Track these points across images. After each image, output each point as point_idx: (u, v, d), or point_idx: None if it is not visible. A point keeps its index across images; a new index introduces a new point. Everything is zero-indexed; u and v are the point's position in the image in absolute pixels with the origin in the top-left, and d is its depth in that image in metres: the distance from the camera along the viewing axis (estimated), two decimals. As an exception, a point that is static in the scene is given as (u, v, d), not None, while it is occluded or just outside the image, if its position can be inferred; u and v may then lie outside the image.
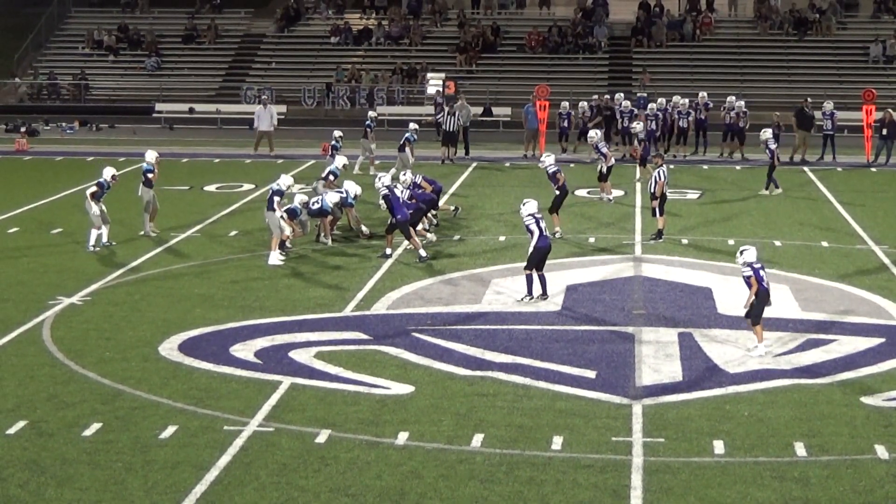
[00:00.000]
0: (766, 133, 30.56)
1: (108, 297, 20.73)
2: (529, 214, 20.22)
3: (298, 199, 23.98)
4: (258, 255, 23.82)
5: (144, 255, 23.74)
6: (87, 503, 12.43)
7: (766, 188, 30.82)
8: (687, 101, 37.99)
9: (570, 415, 14.97)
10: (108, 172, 24.67)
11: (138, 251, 24.08)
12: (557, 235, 24.52)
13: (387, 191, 23.52)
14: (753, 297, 17.20)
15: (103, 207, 24.23)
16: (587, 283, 21.63)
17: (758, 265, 17.34)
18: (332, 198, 24.53)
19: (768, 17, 52.23)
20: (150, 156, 25.74)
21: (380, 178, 24.21)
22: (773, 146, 30.26)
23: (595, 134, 30.93)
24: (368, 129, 34.28)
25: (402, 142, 31.79)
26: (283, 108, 47.34)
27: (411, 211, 23.58)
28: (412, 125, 33.32)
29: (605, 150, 29.95)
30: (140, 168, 26.07)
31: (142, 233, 25.42)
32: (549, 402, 15.42)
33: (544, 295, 20.31)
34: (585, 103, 38.49)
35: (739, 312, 17.82)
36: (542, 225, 20.23)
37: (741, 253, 17.44)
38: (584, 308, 19.93)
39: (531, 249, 20.12)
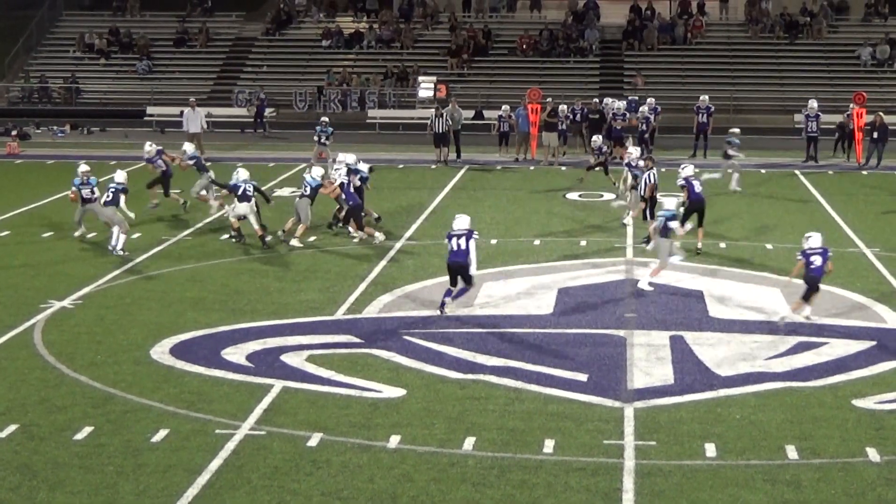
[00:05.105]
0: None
1: (99, 300, 20.70)
2: (447, 233, 19.81)
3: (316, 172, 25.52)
4: (250, 258, 23.81)
5: (136, 259, 23.71)
6: (78, 507, 12.43)
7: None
8: (653, 100, 38.89)
9: (561, 418, 14.97)
10: (120, 176, 25.06)
11: (130, 255, 24.03)
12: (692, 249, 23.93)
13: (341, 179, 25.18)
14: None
15: (125, 210, 24.82)
16: (579, 286, 21.63)
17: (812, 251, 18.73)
18: (316, 172, 25.58)
19: (759, 20, 52.28)
20: (121, 176, 25.18)
21: (336, 169, 25.67)
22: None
23: (598, 139, 32.17)
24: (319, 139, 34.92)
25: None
26: (273, 112, 47.36)
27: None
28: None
29: (604, 151, 31.77)
30: (114, 187, 24.76)
31: (109, 247, 24.19)
32: (541, 406, 15.42)
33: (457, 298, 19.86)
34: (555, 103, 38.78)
35: (731, 315, 17.84)
36: (454, 242, 19.42)
37: (806, 239, 18.91)
38: (575, 311, 19.93)
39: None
